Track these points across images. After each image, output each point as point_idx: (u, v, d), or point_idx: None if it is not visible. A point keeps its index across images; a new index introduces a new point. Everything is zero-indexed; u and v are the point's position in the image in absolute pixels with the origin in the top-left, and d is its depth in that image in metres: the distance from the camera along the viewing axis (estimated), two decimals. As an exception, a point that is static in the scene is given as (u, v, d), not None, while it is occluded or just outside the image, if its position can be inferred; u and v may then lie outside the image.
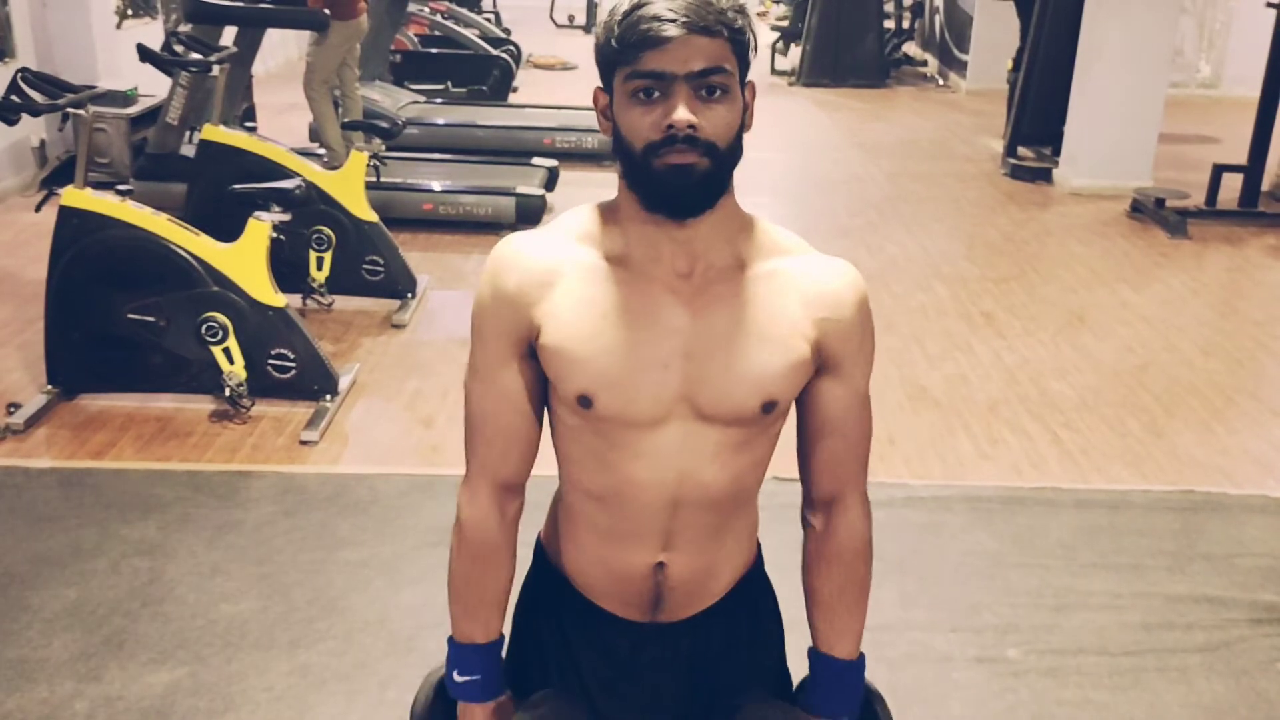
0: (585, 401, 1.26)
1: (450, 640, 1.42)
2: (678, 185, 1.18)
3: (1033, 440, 3.95)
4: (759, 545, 1.48)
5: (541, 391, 1.33)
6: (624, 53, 1.17)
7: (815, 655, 1.41)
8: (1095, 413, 4.18)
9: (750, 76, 1.25)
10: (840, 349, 1.29)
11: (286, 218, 3.89)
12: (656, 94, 1.17)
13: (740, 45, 1.20)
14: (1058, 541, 3.36)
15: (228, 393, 3.81)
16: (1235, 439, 4.03)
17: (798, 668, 1.51)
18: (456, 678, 1.40)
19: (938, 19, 12.09)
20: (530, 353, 1.29)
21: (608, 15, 1.20)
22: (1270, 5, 6.48)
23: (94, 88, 4.01)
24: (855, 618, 1.39)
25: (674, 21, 1.15)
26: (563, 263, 1.27)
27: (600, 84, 1.24)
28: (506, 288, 1.28)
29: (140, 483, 3.49)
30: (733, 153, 1.21)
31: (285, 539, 3.22)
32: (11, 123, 3.74)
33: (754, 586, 1.46)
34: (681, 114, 1.16)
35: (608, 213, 1.29)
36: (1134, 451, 3.90)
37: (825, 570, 1.38)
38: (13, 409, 3.80)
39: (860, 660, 1.40)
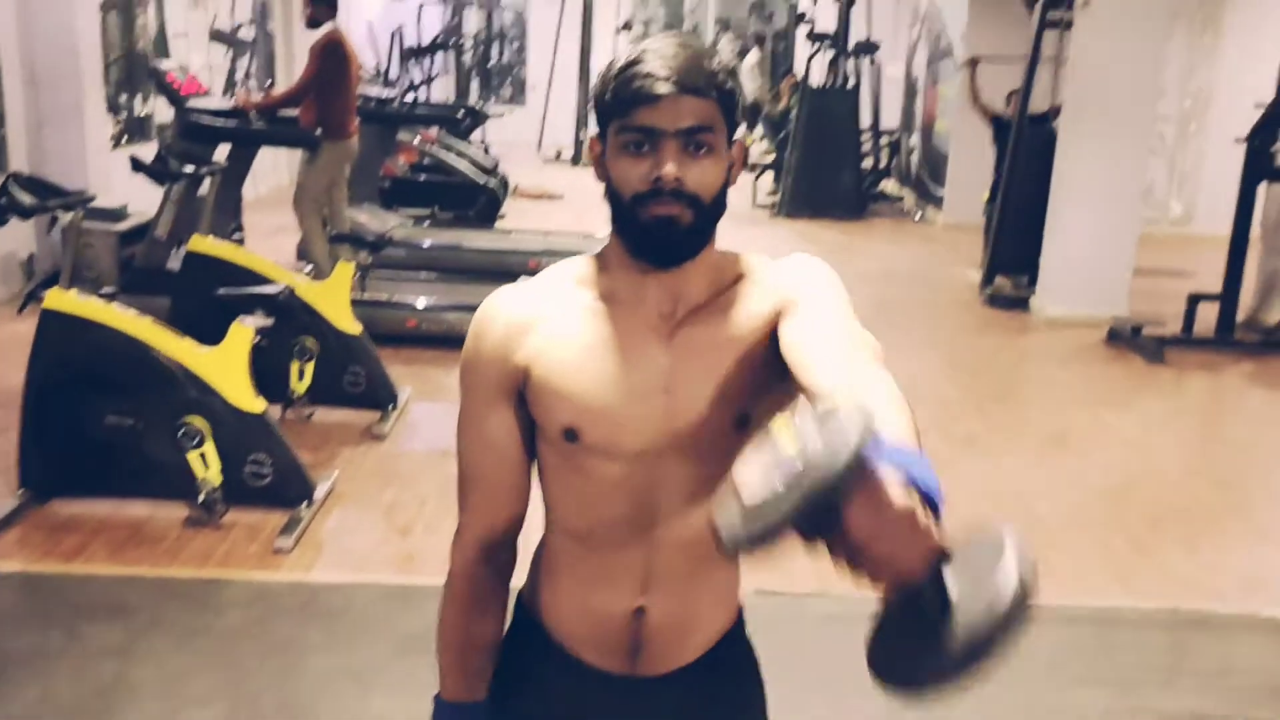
0: (571, 435, 1.27)
1: (436, 699, 1.42)
2: (662, 235, 1.22)
3: (1018, 557, 3.90)
4: (741, 608, 1.46)
5: (530, 443, 1.34)
6: (618, 106, 1.22)
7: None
8: (1081, 531, 4.15)
9: (733, 204, 1.29)
10: (793, 299, 1.26)
11: (269, 323, 3.89)
12: (646, 147, 1.22)
13: (728, 106, 1.24)
14: (1046, 658, 3.29)
15: (202, 498, 3.75)
16: (1222, 558, 4.00)
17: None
18: None
19: (914, 157, 12.44)
20: (519, 400, 1.31)
21: (606, 68, 1.26)
22: (1238, 141, 6.69)
23: (84, 192, 4.05)
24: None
25: (666, 80, 1.20)
26: (547, 306, 1.31)
27: (596, 133, 1.29)
28: (491, 339, 1.32)
29: (109, 588, 3.40)
30: (716, 206, 1.25)
31: (255, 645, 3.13)
32: (0, 223, 3.76)
33: (736, 647, 1.45)
34: (669, 168, 1.21)
35: (596, 260, 1.34)
36: (1121, 569, 3.86)
37: None
38: (-19, 512, 3.73)
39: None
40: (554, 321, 1.29)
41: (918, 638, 1.06)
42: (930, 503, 1.02)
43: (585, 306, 1.30)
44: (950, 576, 1.07)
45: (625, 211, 1.23)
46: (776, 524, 1.02)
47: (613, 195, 1.25)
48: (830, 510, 1.03)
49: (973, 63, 8.39)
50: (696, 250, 1.25)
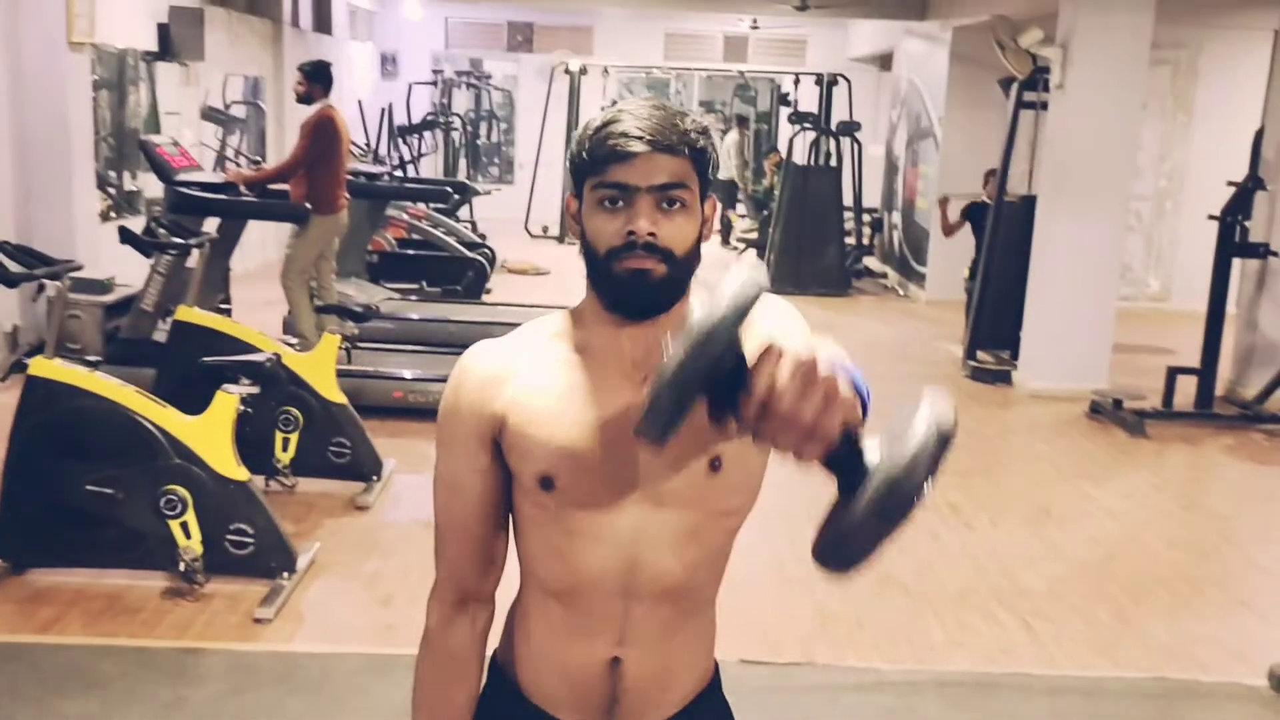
0: (546, 483, 1.28)
1: None
2: (636, 288, 1.25)
3: (1003, 627, 3.90)
4: (716, 665, 1.46)
5: (506, 497, 1.35)
6: (593, 164, 1.26)
7: None
8: (1065, 601, 4.15)
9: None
10: (762, 336, 1.25)
11: (255, 390, 3.90)
12: (621, 203, 1.25)
13: (701, 163, 1.28)
14: (1032, 728, 3.28)
15: (182, 568, 3.71)
16: (1205, 627, 3.99)
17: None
18: None
19: (896, 234, 12.58)
20: (496, 453, 1.33)
21: (583, 128, 1.30)
22: (1211, 218, 6.81)
23: (71, 261, 4.07)
24: None
25: (640, 139, 1.24)
26: (521, 358, 1.33)
27: (573, 191, 1.32)
28: (468, 390, 1.33)
29: (83, 658, 3.36)
30: (689, 260, 1.28)
31: (234, 717, 3.09)
32: (-12, 293, 3.78)
33: (713, 704, 1.44)
34: (642, 224, 1.24)
35: (572, 314, 1.36)
36: (1105, 639, 3.85)
37: None
38: (-42, 582, 3.69)
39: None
40: (530, 372, 1.31)
41: (847, 506, 1.09)
42: (859, 397, 1.08)
43: (560, 358, 1.32)
44: (871, 447, 1.10)
45: (600, 265, 1.26)
46: (676, 381, 1.06)
47: (588, 250, 1.28)
48: (732, 369, 1.08)
49: (943, 201, 8.72)
50: (670, 303, 1.28)
